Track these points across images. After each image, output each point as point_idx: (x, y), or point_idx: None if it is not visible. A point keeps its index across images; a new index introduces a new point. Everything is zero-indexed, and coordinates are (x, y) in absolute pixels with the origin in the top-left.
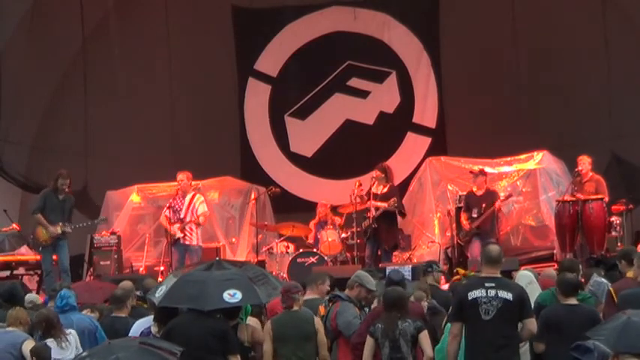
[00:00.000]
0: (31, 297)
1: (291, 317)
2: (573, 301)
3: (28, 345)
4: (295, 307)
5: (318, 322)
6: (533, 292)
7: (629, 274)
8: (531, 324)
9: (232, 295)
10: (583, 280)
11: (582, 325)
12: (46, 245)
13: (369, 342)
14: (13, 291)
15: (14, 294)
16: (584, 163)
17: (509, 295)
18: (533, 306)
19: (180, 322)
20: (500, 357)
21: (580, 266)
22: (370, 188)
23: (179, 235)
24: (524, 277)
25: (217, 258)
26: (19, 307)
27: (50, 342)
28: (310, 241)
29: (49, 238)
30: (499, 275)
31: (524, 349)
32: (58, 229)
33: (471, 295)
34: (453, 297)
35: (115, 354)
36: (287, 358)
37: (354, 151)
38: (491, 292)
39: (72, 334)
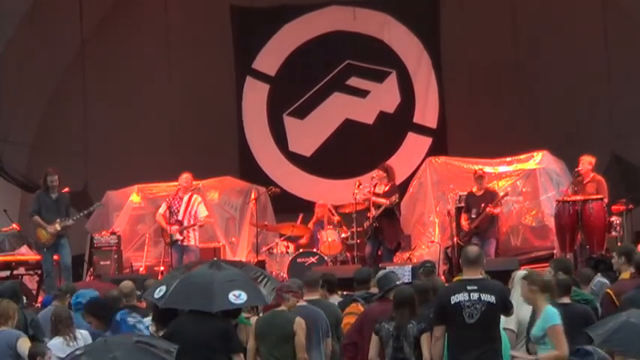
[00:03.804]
0: None
1: (273, 317)
2: (566, 300)
3: (23, 342)
4: (282, 307)
5: (298, 324)
6: None
7: (625, 275)
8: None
9: (237, 297)
10: (579, 279)
11: (575, 324)
12: (48, 245)
13: (375, 340)
14: (15, 289)
15: (16, 292)
16: (584, 163)
17: (492, 298)
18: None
19: (182, 322)
20: (485, 359)
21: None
22: (373, 188)
23: (178, 237)
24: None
25: (215, 258)
26: (6, 300)
27: (56, 339)
28: (304, 241)
29: (51, 238)
30: (480, 276)
31: (524, 350)
32: (57, 226)
33: (454, 299)
34: (435, 300)
35: (111, 352)
36: (265, 357)
37: (353, 150)
38: (474, 296)
39: (82, 335)
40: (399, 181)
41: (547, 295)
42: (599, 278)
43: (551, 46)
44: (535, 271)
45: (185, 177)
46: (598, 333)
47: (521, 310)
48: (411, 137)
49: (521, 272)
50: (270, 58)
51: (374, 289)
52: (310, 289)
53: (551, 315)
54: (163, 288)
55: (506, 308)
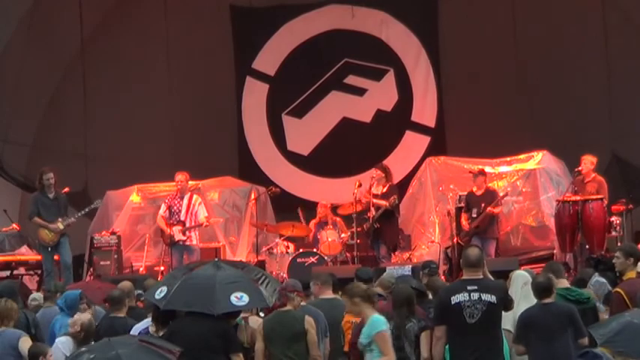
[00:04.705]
0: (35, 295)
1: (281, 317)
2: (548, 300)
3: (24, 342)
4: (288, 307)
5: (308, 322)
6: (529, 293)
7: (632, 274)
8: None
9: (239, 299)
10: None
11: (557, 323)
12: (53, 245)
13: None
14: (13, 288)
15: (14, 291)
16: (586, 162)
17: (492, 298)
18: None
19: (181, 323)
20: (487, 359)
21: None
22: (370, 188)
23: (181, 237)
24: (520, 277)
25: (216, 259)
26: (9, 300)
27: (65, 337)
28: (308, 238)
29: (54, 237)
30: (480, 277)
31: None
32: (60, 225)
33: (454, 299)
34: (435, 300)
35: (114, 350)
36: (277, 357)
37: (351, 149)
38: (475, 296)
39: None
40: (397, 179)
41: (369, 304)
42: (597, 277)
43: (550, 46)
44: (355, 284)
45: (179, 178)
46: (600, 333)
47: (520, 310)
48: (409, 136)
49: (519, 272)
50: (270, 57)
51: (377, 289)
52: (326, 289)
53: (376, 322)
54: (164, 289)
55: (507, 305)
